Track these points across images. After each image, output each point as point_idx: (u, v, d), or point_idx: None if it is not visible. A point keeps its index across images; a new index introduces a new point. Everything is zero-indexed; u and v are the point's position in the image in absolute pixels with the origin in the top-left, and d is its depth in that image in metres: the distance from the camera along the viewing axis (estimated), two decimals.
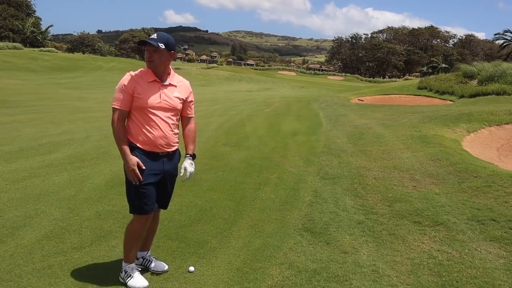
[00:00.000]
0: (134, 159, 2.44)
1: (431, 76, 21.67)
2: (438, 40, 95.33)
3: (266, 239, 3.43)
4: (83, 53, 60.42)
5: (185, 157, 2.77)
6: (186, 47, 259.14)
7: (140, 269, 2.74)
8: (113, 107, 2.46)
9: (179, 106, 2.61)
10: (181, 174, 2.69)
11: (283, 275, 2.83)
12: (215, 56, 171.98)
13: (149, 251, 2.92)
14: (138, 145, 2.50)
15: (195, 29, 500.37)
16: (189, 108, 2.74)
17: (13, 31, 56.49)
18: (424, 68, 71.01)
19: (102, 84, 27.09)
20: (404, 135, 7.75)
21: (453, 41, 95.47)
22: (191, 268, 2.86)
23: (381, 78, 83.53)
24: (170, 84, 2.57)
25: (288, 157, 6.60)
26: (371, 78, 78.17)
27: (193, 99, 2.76)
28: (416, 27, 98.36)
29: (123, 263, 2.67)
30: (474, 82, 16.42)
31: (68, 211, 3.80)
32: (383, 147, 6.89)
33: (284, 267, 2.94)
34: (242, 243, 3.35)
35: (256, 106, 16.10)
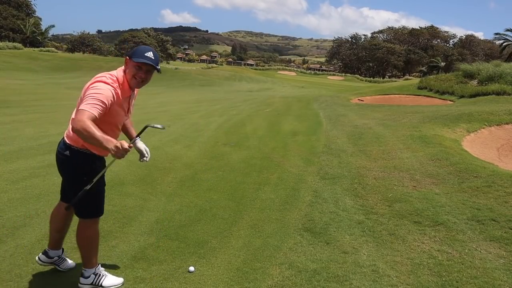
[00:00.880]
0: (115, 141, 2.18)
1: (431, 76, 21.67)
2: (438, 40, 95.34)
3: (266, 239, 3.43)
4: (83, 53, 60.41)
5: (135, 140, 2.56)
6: (186, 47, 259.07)
7: (105, 269, 2.68)
8: (88, 112, 2.13)
9: None
10: (142, 157, 2.61)
11: (283, 275, 2.83)
12: (215, 56, 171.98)
13: (61, 249, 2.81)
14: (93, 151, 2.41)
15: (195, 29, 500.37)
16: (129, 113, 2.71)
17: (13, 31, 56.50)
18: (424, 68, 71.00)
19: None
20: (404, 135, 7.75)
21: (453, 41, 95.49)
22: (191, 268, 2.86)
23: (381, 78, 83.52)
24: (134, 94, 2.57)
25: (288, 157, 6.60)
26: (371, 78, 78.16)
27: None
28: (417, 27, 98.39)
29: (89, 270, 2.55)
30: (474, 82, 16.42)
31: None
32: (383, 147, 6.89)
33: (284, 267, 2.94)
34: (242, 243, 3.35)
35: (256, 106, 16.10)
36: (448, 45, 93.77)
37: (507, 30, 59.95)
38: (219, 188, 4.81)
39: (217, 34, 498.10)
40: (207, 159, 6.22)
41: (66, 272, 2.74)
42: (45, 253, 2.72)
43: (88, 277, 2.56)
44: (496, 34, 63.31)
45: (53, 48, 56.27)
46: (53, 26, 68.02)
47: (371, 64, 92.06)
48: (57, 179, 4.74)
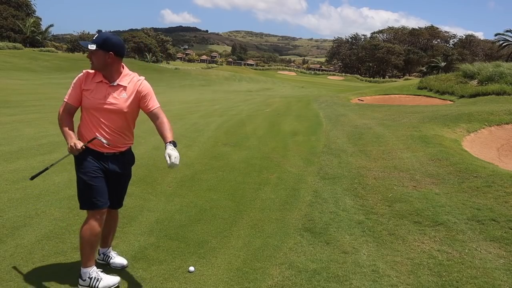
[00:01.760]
0: (74, 140, 2.47)
1: (431, 76, 21.68)
2: (438, 40, 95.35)
3: (266, 239, 3.43)
4: (83, 53, 60.33)
5: (165, 146, 2.52)
6: (186, 47, 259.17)
7: (102, 270, 2.67)
8: (64, 100, 2.53)
9: (126, 107, 2.52)
10: (169, 163, 2.43)
11: (283, 275, 2.83)
12: (215, 56, 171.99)
13: (110, 248, 2.93)
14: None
15: (195, 29, 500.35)
16: (148, 103, 2.59)
17: (13, 31, 56.50)
18: (424, 68, 70.99)
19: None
20: (404, 135, 7.75)
21: (453, 41, 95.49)
22: (191, 268, 2.86)
23: (381, 78, 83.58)
24: (118, 85, 2.51)
25: (288, 157, 6.60)
26: (371, 78, 78.23)
27: (148, 92, 2.58)
28: (416, 27, 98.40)
29: (84, 270, 2.55)
30: (474, 82, 16.43)
31: (68, 211, 3.80)
32: (383, 147, 6.89)
33: (284, 267, 2.94)
34: (242, 243, 3.35)
35: (256, 106, 16.10)
36: (448, 45, 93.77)
37: (507, 31, 60.01)
38: (219, 188, 4.81)
39: (217, 34, 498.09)
40: (207, 159, 6.21)
41: (66, 272, 2.74)
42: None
43: (85, 280, 2.56)
44: (497, 34, 63.38)
45: (53, 48, 56.26)
46: (52, 25, 67.94)
47: (371, 64, 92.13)
48: (57, 179, 4.75)
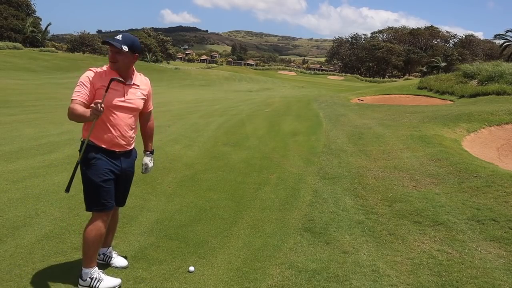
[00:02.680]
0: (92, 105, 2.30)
1: (431, 76, 21.68)
2: (438, 40, 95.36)
3: (266, 239, 3.43)
4: (83, 53, 60.39)
5: (144, 153, 2.89)
6: (186, 47, 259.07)
7: (103, 271, 2.69)
8: (72, 99, 2.39)
9: (141, 105, 2.64)
10: (143, 171, 2.88)
11: (283, 275, 2.83)
12: (215, 56, 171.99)
13: (110, 247, 2.93)
14: (97, 143, 2.49)
15: (195, 29, 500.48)
16: (149, 102, 2.77)
17: (13, 31, 56.49)
18: (425, 68, 71.02)
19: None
20: (404, 135, 7.75)
21: (453, 41, 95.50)
22: (191, 268, 2.86)
23: (381, 78, 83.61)
24: (133, 84, 2.59)
25: (288, 157, 6.60)
26: (371, 78, 78.25)
27: (150, 92, 2.76)
28: (416, 27, 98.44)
29: (86, 270, 2.55)
30: (474, 82, 16.43)
31: (68, 211, 3.80)
32: (383, 147, 6.89)
33: (284, 267, 2.94)
34: (242, 243, 3.35)
35: (256, 106, 16.10)
36: (448, 45, 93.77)
37: (508, 31, 60.04)
38: (219, 188, 4.81)
39: (217, 34, 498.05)
40: (207, 159, 6.21)
41: (66, 272, 2.74)
42: None
43: (85, 280, 2.55)
44: (497, 35, 63.40)
45: (53, 48, 56.24)
46: (50, 24, 67.96)
47: (371, 64, 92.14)
48: (57, 179, 4.75)
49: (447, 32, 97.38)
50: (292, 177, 5.35)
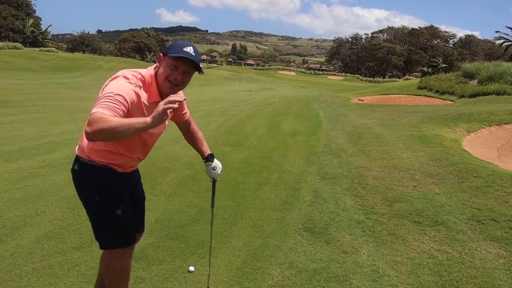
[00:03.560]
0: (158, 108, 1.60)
1: (431, 76, 21.67)
2: (438, 40, 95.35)
3: (266, 239, 3.43)
4: (83, 53, 60.41)
5: (207, 160, 2.36)
6: None
7: None
8: (98, 112, 1.60)
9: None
10: (215, 180, 2.46)
11: (283, 275, 2.83)
12: (215, 56, 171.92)
13: None
14: (111, 166, 1.95)
15: (195, 29, 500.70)
16: (184, 112, 2.26)
17: (13, 31, 56.50)
18: (425, 68, 71.02)
19: (102, 84, 26.95)
20: (404, 135, 7.75)
21: (453, 41, 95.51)
22: (191, 268, 2.87)
23: (381, 78, 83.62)
24: None
25: (288, 157, 6.60)
26: (371, 78, 78.27)
27: (185, 102, 2.11)
28: (417, 27, 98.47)
29: None
30: (474, 82, 16.42)
31: (68, 210, 3.80)
32: (383, 147, 6.88)
33: (284, 267, 2.94)
34: (242, 243, 3.35)
35: (256, 106, 16.10)
36: (448, 45, 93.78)
37: (507, 28, 60.05)
38: (219, 188, 4.81)
39: (217, 34, 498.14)
40: None
41: (66, 272, 2.74)
42: None
43: None
44: (497, 32, 63.39)
45: (53, 48, 56.24)
46: (51, 25, 68.07)
47: (371, 64, 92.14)
48: (57, 179, 4.76)
49: (445, 32, 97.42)
50: (292, 177, 5.35)
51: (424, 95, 17.31)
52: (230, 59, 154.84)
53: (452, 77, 18.65)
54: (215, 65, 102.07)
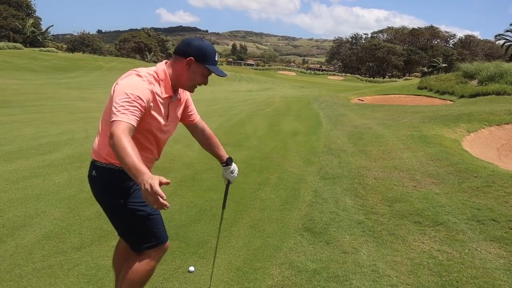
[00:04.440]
0: (155, 177, 1.50)
1: (431, 76, 21.66)
2: (438, 40, 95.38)
3: (266, 239, 3.43)
4: (83, 53, 60.38)
5: (227, 164, 2.42)
6: None
7: None
8: (123, 121, 1.61)
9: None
10: (230, 182, 2.46)
11: (283, 275, 2.83)
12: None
13: None
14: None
15: (195, 29, 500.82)
16: (191, 113, 2.18)
17: (13, 31, 56.52)
18: (425, 68, 71.06)
19: (102, 84, 27.09)
20: (404, 135, 7.75)
21: (453, 41, 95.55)
22: (191, 268, 2.87)
23: (381, 78, 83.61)
24: (178, 99, 2.03)
25: (288, 157, 6.60)
26: (371, 78, 78.28)
27: (191, 101, 2.19)
28: (417, 27, 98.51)
29: None
30: (474, 82, 16.41)
31: (68, 211, 3.80)
32: (383, 147, 6.88)
33: (284, 267, 2.94)
34: (242, 243, 3.35)
35: (256, 106, 16.10)
36: (448, 45, 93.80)
37: (507, 31, 60.18)
38: (219, 188, 4.81)
39: (217, 34, 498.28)
40: (207, 159, 6.21)
41: (66, 272, 2.74)
42: None
43: None
44: (497, 35, 63.53)
45: (53, 48, 56.24)
46: (52, 25, 68.12)
47: (371, 64, 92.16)
48: (57, 179, 4.76)
49: (446, 32, 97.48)
50: (292, 177, 5.35)
51: (424, 95, 17.30)
52: (230, 59, 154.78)
53: (452, 77, 18.64)
54: None
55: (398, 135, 7.79)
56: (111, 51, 69.55)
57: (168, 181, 1.50)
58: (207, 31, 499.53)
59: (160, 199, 1.42)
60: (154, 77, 1.85)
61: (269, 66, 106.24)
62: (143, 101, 1.72)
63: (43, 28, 64.52)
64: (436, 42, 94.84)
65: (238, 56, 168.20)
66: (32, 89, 18.71)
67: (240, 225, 3.73)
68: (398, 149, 6.62)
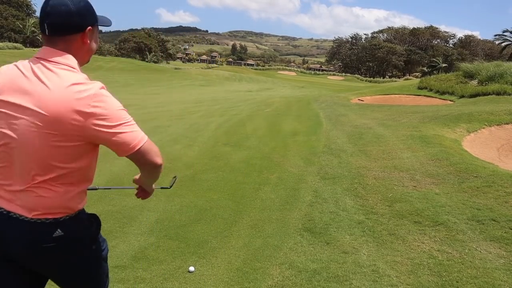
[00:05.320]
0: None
1: (431, 76, 21.66)
2: (438, 40, 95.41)
3: (266, 239, 3.43)
4: None
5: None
6: (186, 47, 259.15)
7: None
8: (148, 139, 1.44)
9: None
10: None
11: (283, 275, 2.83)
12: (215, 56, 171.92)
13: None
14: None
15: (195, 29, 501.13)
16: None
17: (14, 31, 56.57)
18: (425, 68, 71.07)
19: (102, 84, 27.05)
20: (404, 135, 7.75)
21: (453, 41, 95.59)
22: (191, 268, 2.87)
23: (381, 78, 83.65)
24: None
25: (288, 157, 6.60)
26: (371, 78, 78.32)
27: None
28: (416, 27, 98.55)
29: None
30: (474, 82, 16.42)
31: None
32: (383, 147, 6.88)
33: (284, 267, 2.94)
34: (242, 243, 3.35)
35: (256, 106, 16.10)
36: (448, 45, 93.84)
37: (504, 31, 60.41)
38: (219, 188, 4.81)
39: (217, 34, 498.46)
40: (207, 159, 6.21)
41: None
42: None
43: None
44: (496, 35, 63.68)
45: None
46: None
47: (371, 64, 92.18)
48: None
49: (446, 32, 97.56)
50: (292, 177, 5.35)
51: (424, 95, 17.30)
52: (230, 59, 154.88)
53: (452, 77, 18.64)
54: (215, 65, 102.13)
55: (398, 135, 7.79)
56: (111, 51, 69.54)
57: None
58: (207, 31, 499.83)
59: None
60: (86, 78, 1.45)
61: (269, 66, 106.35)
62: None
63: None
64: (436, 42, 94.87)
65: (238, 56, 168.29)
66: None
67: (240, 225, 3.73)
68: (398, 149, 6.62)
